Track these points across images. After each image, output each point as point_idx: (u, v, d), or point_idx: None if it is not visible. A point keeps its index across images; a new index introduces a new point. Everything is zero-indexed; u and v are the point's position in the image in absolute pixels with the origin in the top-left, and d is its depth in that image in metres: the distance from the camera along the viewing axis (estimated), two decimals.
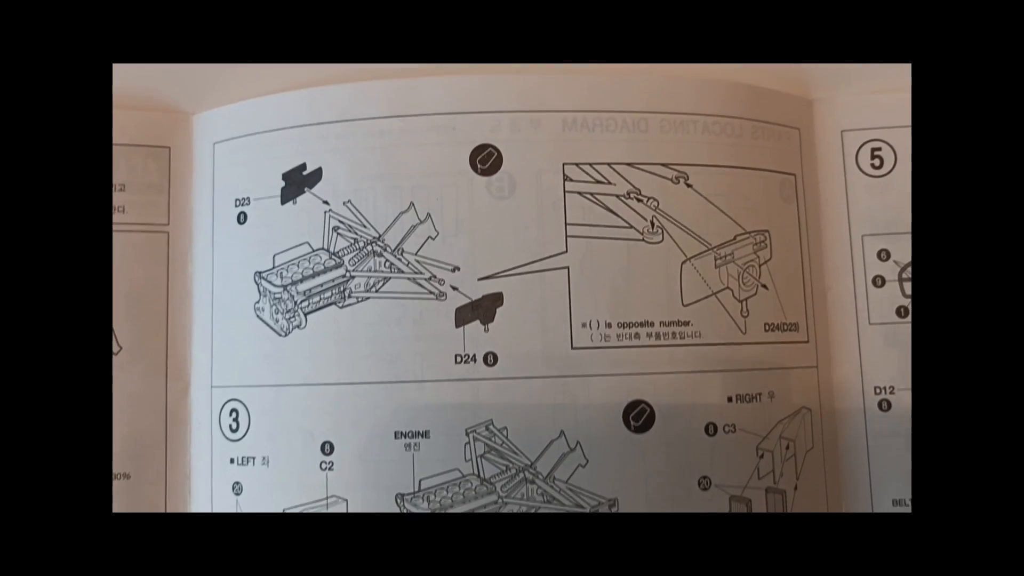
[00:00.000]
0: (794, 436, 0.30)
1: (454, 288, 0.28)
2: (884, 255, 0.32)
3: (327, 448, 0.28)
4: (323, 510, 0.28)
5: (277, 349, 0.29)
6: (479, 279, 0.28)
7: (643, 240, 0.29)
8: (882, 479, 0.31)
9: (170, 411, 0.31)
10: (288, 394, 0.29)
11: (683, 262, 0.29)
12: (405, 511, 0.28)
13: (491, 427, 0.28)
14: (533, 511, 0.28)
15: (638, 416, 0.28)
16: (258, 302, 0.30)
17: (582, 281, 0.29)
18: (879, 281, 0.32)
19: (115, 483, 0.30)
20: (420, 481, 0.28)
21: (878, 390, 0.31)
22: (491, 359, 0.28)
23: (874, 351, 0.31)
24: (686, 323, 0.29)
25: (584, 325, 0.28)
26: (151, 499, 0.30)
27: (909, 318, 0.31)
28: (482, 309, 0.28)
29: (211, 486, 0.30)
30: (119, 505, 0.29)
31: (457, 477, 0.28)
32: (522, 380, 0.28)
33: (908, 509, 0.30)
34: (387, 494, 0.28)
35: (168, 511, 0.30)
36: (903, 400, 0.31)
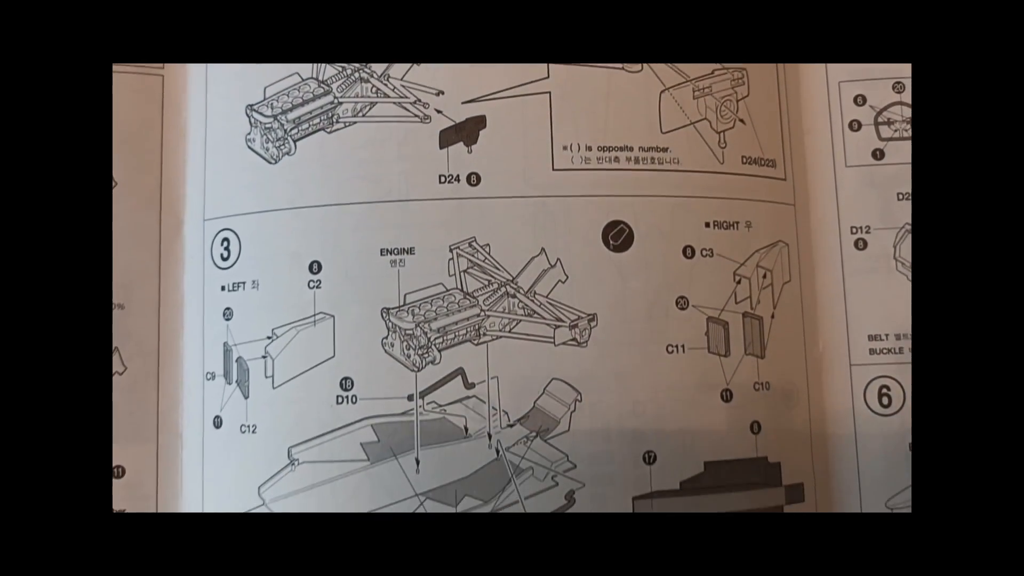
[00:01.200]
0: (771, 267, 0.31)
1: (438, 111, 0.29)
2: (860, 100, 0.32)
3: (315, 267, 0.29)
4: (310, 327, 0.29)
5: (267, 177, 0.30)
6: (463, 103, 0.29)
7: (623, 69, 0.30)
8: (858, 314, 0.31)
9: (164, 245, 0.31)
10: (276, 218, 0.30)
11: (662, 91, 0.30)
12: (390, 324, 0.28)
13: (474, 244, 0.29)
14: (515, 323, 0.28)
15: (617, 236, 0.29)
16: (249, 133, 0.30)
17: (563, 106, 0.29)
18: (855, 125, 0.32)
19: None
20: (405, 295, 0.29)
21: (854, 229, 0.32)
22: (474, 179, 0.29)
23: (851, 192, 0.32)
24: (665, 149, 0.30)
25: (565, 148, 0.29)
26: (142, 331, 0.31)
27: (884, 160, 0.32)
28: (465, 131, 0.29)
29: (203, 314, 0.31)
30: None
31: (441, 291, 0.29)
32: (504, 199, 0.29)
33: (885, 344, 0.31)
34: (373, 309, 0.29)
35: (160, 342, 0.31)
36: (878, 239, 0.32)
